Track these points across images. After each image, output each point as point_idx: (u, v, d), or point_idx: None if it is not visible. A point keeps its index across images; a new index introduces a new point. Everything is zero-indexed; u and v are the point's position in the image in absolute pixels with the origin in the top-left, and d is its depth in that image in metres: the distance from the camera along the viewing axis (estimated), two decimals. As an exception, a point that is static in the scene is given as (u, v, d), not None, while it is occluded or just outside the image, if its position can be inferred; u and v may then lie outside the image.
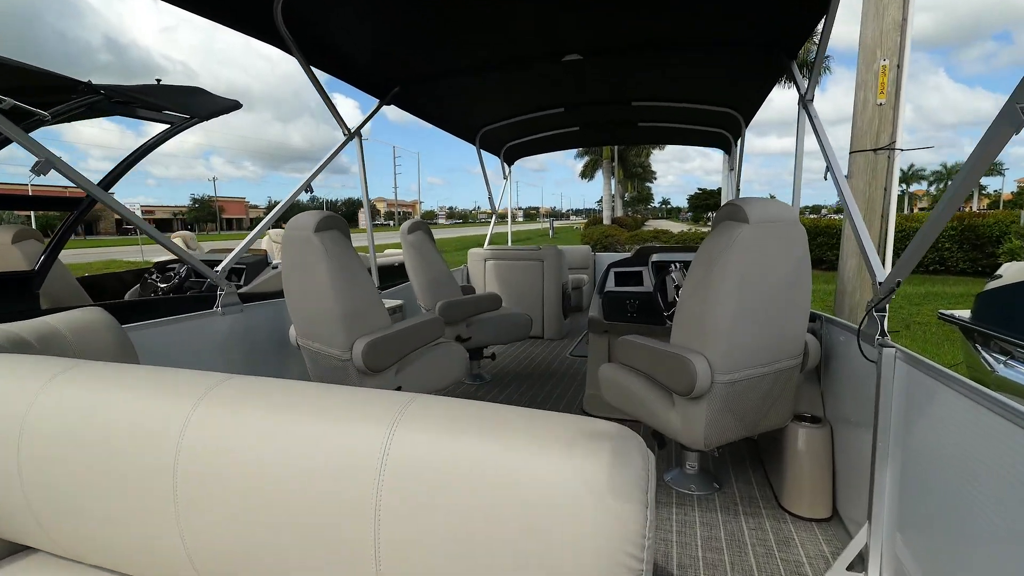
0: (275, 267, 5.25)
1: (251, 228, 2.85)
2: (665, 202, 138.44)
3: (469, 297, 3.81)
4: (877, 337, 1.66)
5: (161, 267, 4.80)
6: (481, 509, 0.59)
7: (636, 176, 41.39)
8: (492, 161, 8.03)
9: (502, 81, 3.58)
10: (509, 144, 5.62)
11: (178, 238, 8.35)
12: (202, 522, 0.71)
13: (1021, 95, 1.01)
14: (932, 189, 58.31)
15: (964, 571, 1.26)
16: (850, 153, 3.40)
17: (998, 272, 3.10)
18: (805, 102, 2.53)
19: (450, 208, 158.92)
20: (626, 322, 3.09)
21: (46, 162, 1.71)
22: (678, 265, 3.04)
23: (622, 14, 2.52)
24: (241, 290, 4.69)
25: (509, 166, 6.16)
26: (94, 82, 2.82)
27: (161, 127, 3.35)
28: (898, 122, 3.14)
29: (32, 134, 3.05)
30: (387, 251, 8.73)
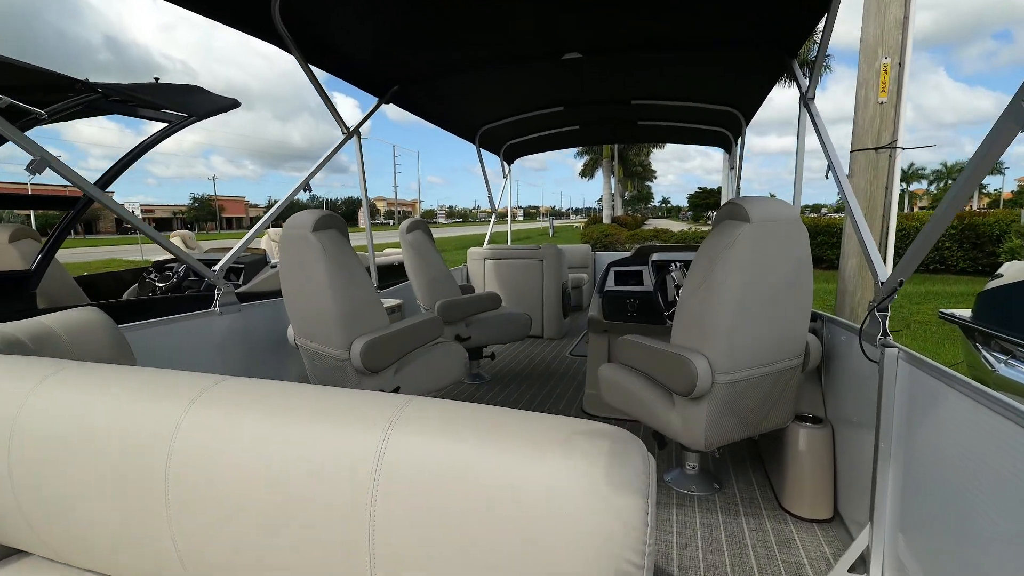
0: (274, 266, 5.24)
1: (251, 227, 2.84)
2: (665, 201, 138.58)
3: (468, 296, 3.79)
4: (879, 337, 1.65)
5: (159, 266, 4.78)
6: (478, 513, 0.58)
7: (636, 175, 41.38)
8: (492, 160, 8.01)
9: (502, 80, 3.57)
10: (509, 143, 5.60)
11: (177, 237, 8.34)
12: (194, 526, 0.70)
13: None
14: (932, 188, 58.27)
15: (967, 573, 1.25)
16: (851, 152, 3.38)
17: (999, 271, 3.10)
18: (806, 100, 2.52)
19: (450, 207, 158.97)
20: (626, 321, 3.08)
21: (41, 160, 1.69)
22: (678, 264, 3.03)
23: (622, 12, 2.51)
24: (240, 289, 4.68)
25: (509, 165, 6.15)
26: (94, 81, 2.81)
27: (159, 126, 3.34)
28: (899, 121, 3.13)
29: (30, 132, 3.05)
30: (386, 250, 8.72)
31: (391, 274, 6.03)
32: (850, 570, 1.70)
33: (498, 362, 4.57)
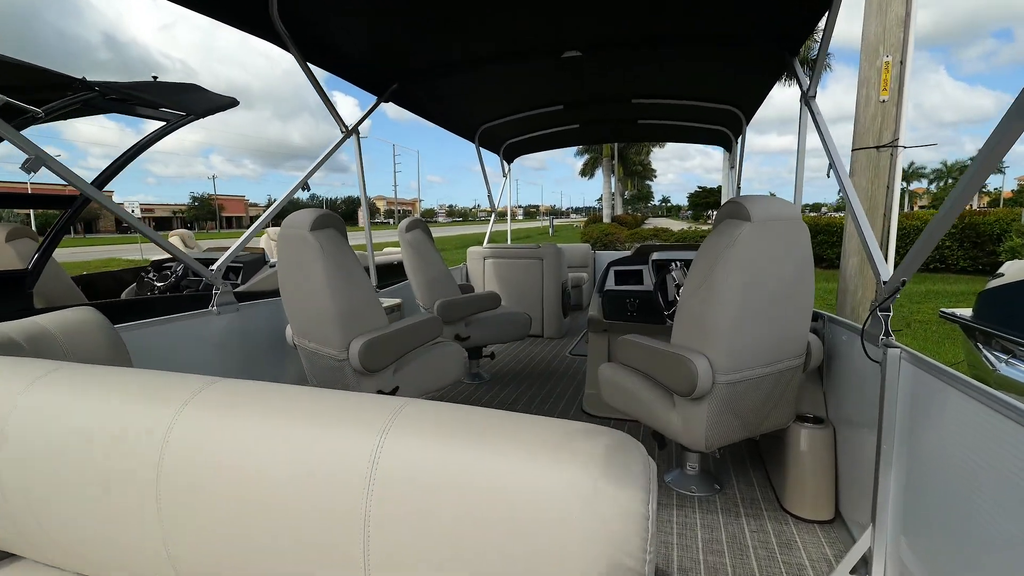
0: (273, 266, 5.22)
1: (251, 226, 2.82)
2: (665, 200, 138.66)
3: (468, 296, 3.78)
4: (881, 337, 1.64)
5: (157, 266, 4.77)
6: (474, 518, 0.57)
7: (636, 174, 41.38)
8: (492, 159, 8.00)
9: (501, 78, 3.55)
10: (508, 142, 5.59)
11: (175, 236, 8.32)
12: (186, 530, 0.69)
13: None
14: (932, 187, 58.24)
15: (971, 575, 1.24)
16: (852, 150, 3.37)
17: (1000, 270, 3.09)
18: (807, 99, 2.50)
19: (450, 206, 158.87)
20: (626, 321, 3.06)
21: (36, 159, 1.68)
22: (679, 264, 3.01)
23: (623, 10, 2.49)
24: (238, 289, 4.66)
25: (508, 164, 6.14)
26: (93, 79, 2.79)
27: (158, 124, 3.33)
28: (901, 119, 3.12)
29: (29, 131, 3.04)
30: (386, 249, 8.71)
31: (390, 273, 6.02)
32: (852, 572, 1.69)
33: (498, 362, 4.56)
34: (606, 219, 29.80)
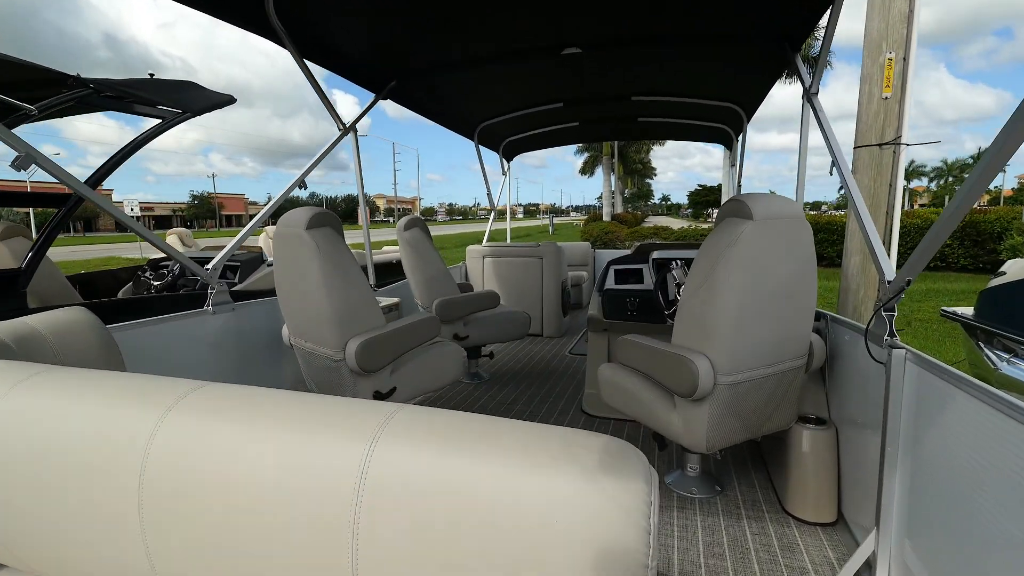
0: (270, 264, 5.20)
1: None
2: (665, 198, 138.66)
3: (467, 295, 3.76)
4: (886, 338, 1.61)
5: (154, 265, 4.74)
6: (468, 529, 0.54)
7: (636, 172, 41.39)
8: (492, 157, 7.98)
9: (500, 75, 3.53)
10: (508, 140, 5.56)
11: (173, 235, 8.29)
12: (169, 540, 0.67)
13: None
14: (932, 185, 58.18)
15: None
16: (854, 148, 3.34)
17: (1002, 269, 3.08)
18: (809, 95, 2.48)
19: (450, 204, 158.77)
20: (626, 320, 3.04)
21: (27, 156, 1.65)
22: (679, 263, 2.99)
23: (623, 6, 2.47)
24: (235, 288, 4.64)
25: (508, 162, 6.11)
26: (93, 78, 2.76)
27: (153, 122, 3.30)
28: (904, 116, 3.09)
29: (26, 129, 3.01)
30: (385, 248, 8.68)
31: (390, 272, 6.00)
32: None
33: (497, 361, 4.54)
34: (606, 217, 29.80)
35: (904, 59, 3.04)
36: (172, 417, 0.70)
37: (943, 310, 3.35)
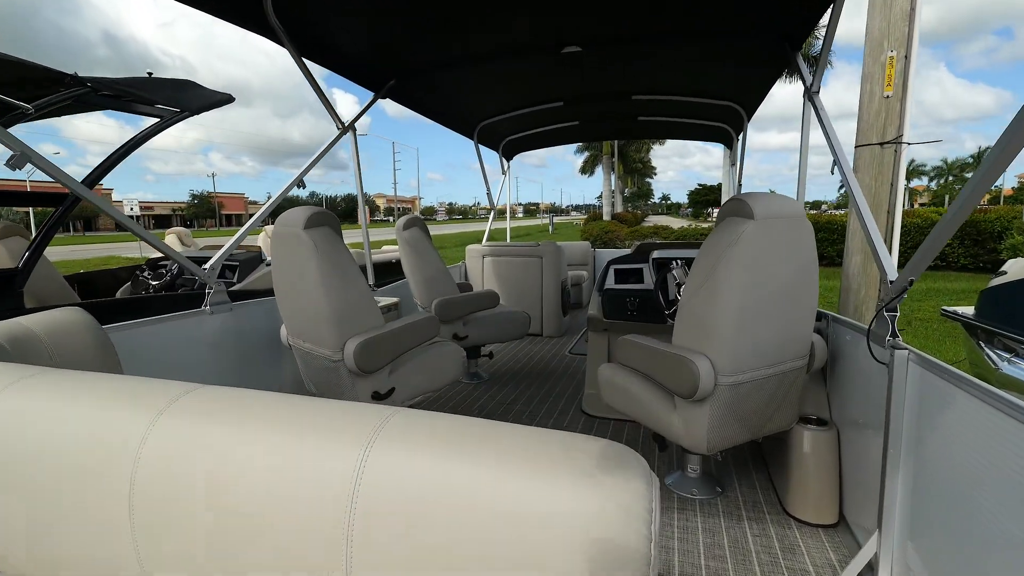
0: (269, 264, 5.18)
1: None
2: (665, 198, 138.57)
3: (466, 295, 3.75)
4: (888, 338, 1.60)
5: (153, 264, 4.72)
6: (465, 536, 0.53)
7: (636, 172, 41.38)
8: (492, 157, 7.96)
9: (500, 74, 3.51)
10: (508, 139, 5.55)
11: (172, 234, 8.28)
12: (159, 545, 0.66)
13: None
14: (932, 185, 58.16)
15: None
16: (856, 147, 3.32)
17: (1003, 268, 3.07)
18: (811, 94, 2.46)
19: (450, 204, 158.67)
20: (626, 320, 3.03)
21: (21, 155, 1.64)
22: (680, 262, 2.97)
23: (623, 5, 2.45)
24: (234, 288, 4.63)
25: (508, 161, 6.10)
26: (90, 76, 2.75)
27: (151, 121, 3.28)
28: (905, 115, 3.07)
29: (23, 128, 2.99)
30: (385, 247, 8.67)
31: (390, 271, 5.98)
32: None
33: (496, 361, 4.52)
34: (606, 217, 29.79)
35: (906, 57, 3.03)
36: (164, 420, 0.69)
37: (943, 309, 3.34)
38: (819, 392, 2.27)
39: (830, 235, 13.17)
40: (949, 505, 1.34)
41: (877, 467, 1.63)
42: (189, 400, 0.72)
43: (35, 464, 0.73)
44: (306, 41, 2.62)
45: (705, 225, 22.73)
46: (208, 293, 2.41)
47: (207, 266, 2.45)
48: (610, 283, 3.33)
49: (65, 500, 0.71)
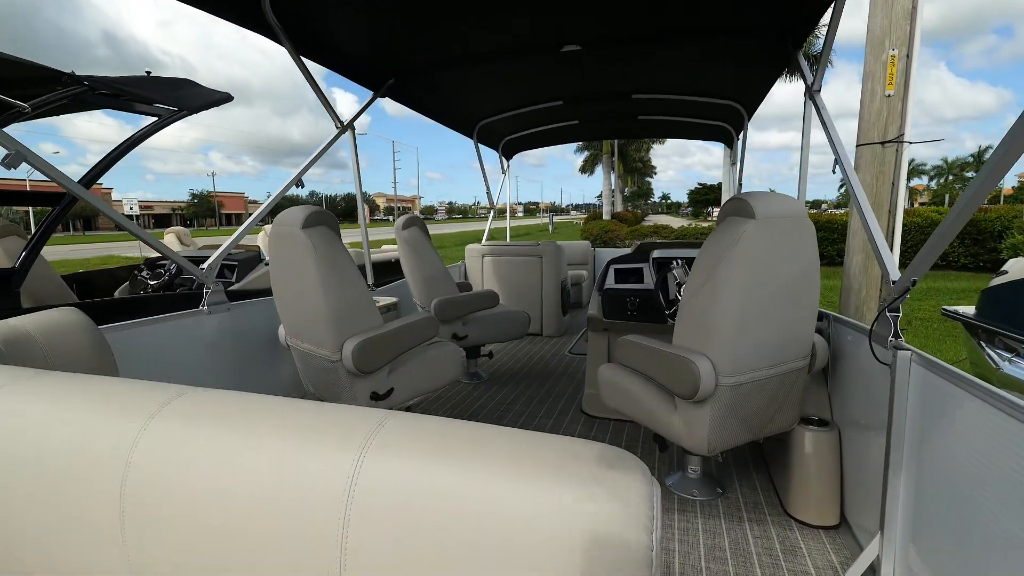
0: (268, 263, 5.17)
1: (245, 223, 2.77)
2: (665, 197, 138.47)
3: (465, 295, 3.73)
4: (890, 339, 1.59)
5: (151, 264, 4.71)
6: (462, 544, 0.52)
7: (636, 171, 41.35)
8: (491, 156, 7.95)
9: (500, 73, 3.50)
10: (507, 138, 5.54)
11: (171, 234, 8.25)
12: (150, 553, 0.64)
13: None
14: (932, 184, 58.14)
15: None
16: (857, 146, 3.31)
17: (1004, 268, 3.06)
18: (812, 92, 2.45)
19: (450, 203, 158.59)
20: (626, 320, 3.02)
21: (16, 154, 1.62)
22: (680, 262, 2.96)
23: (623, 3, 2.44)
24: (232, 287, 4.61)
25: (507, 160, 6.08)
26: (88, 75, 2.73)
27: (149, 120, 3.27)
28: (907, 114, 3.05)
29: (21, 127, 2.98)
30: (384, 247, 8.65)
31: (390, 271, 5.97)
32: None
33: (496, 361, 4.51)
34: (606, 216, 29.77)
35: (907, 56, 3.01)
36: (155, 425, 0.67)
37: (944, 309, 3.33)
38: (820, 392, 2.26)
39: (830, 234, 13.15)
40: (952, 507, 1.32)
41: (879, 468, 1.62)
42: (181, 404, 0.70)
43: (24, 468, 0.71)
44: (304, 39, 2.61)
45: (705, 224, 22.72)
46: (206, 293, 2.39)
47: (204, 266, 2.43)
48: (610, 283, 3.32)
49: (55, 506, 0.69)
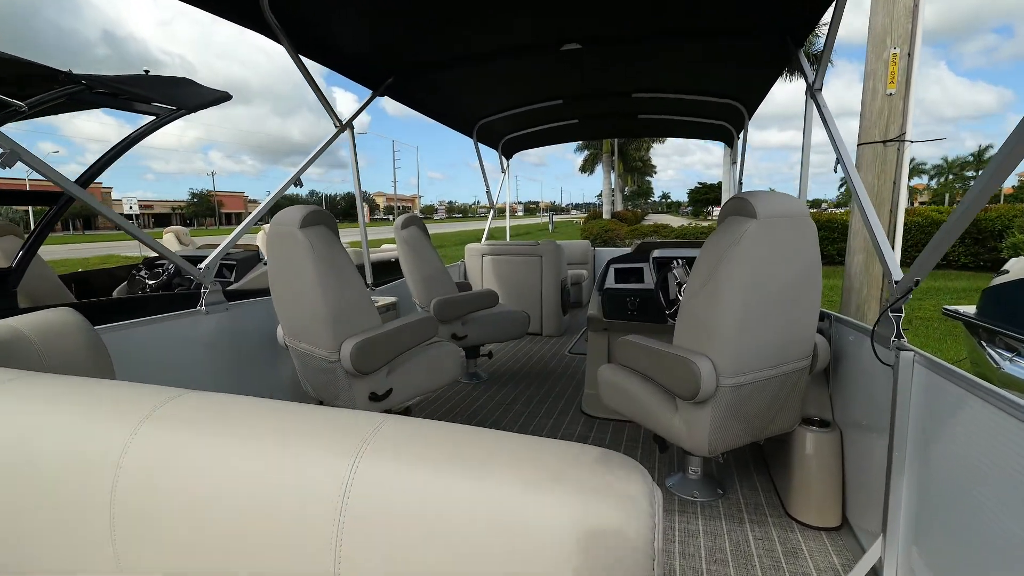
0: (267, 263, 5.15)
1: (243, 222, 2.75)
2: (665, 196, 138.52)
3: (465, 294, 3.72)
4: (893, 339, 1.58)
5: (149, 263, 4.69)
6: (460, 553, 0.51)
7: (636, 170, 41.34)
8: (491, 155, 7.94)
9: (499, 72, 3.49)
10: (507, 137, 5.52)
11: (170, 233, 8.24)
12: (141, 561, 0.63)
13: None
14: (932, 183, 58.14)
15: None
16: (858, 145, 3.29)
17: (1004, 267, 3.05)
18: (813, 91, 2.43)
19: (450, 202, 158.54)
20: (626, 320, 3.00)
21: (11, 153, 1.61)
22: (681, 262, 2.95)
23: (624, 4, 2.42)
24: (231, 287, 4.60)
25: (507, 160, 6.07)
26: (85, 74, 2.72)
27: (147, 119, 3.26)
28: (908, 113, 3.04)
29: (20, 126, 2.96)
30: (384, 246, 8.64)
31: (389, 270, 5.96)
32: None
33: (496, 360, 4.50)
34: (606, 215, 29.76)
35: (909, 54, 2.99)
36: (145, 429, 0.66)
37: (945, 308, 3.32)
38: (822, 393, 2.25)
39: (830, 233, 13.14)
40: (956, 509, 1.31)
41: (881, 469, 1.61)
42: (172, 407, 0.69)
43: (15, 472, 0.70)
44: (303, 38, 2.59)
45: (705, 224, 22.70)
46: (203, 293, 2.38)
47: (202, 265, 2.42)
48: (610, 282, 3.31)
49: (47, 509, 0.68)
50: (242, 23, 2.38)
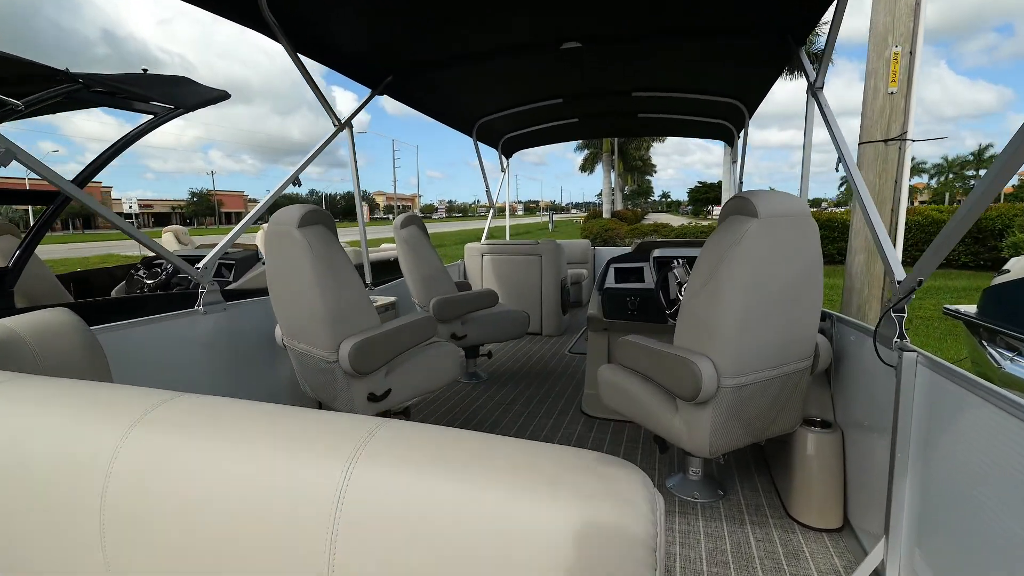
0: (266, 263, 5.13)
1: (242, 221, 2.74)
2: (665, 195, 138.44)
3: (464, 294, 3.71)
4: (895, 340, 1.56)
5: (148, 263, 4.68)
6: (457, 562, 0.50)
7: (636, 169, 41.33)
8: (491, 154, 7.92)
9: (499, 70, 3.47)
10: (507, 136, 5.51)
11: (169, 233, 8.23)
12: (132, 565, 0.62)
13: None
14: (933, 182, 58.13)
15: None
16: (859, 144, 3.28)
17: (1005, 267, 3.04)
18: (814, 90, 2.42)
19: (450, 202, 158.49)
20: (626, 320, 2.99)
21: (7, 152, 1.59)
22: (681, 261, 2.94)
23: (624, 4, 2.41)
24: (230, 287, 4.58)
25: (507, 159, 6.05)
26: (83, 72, 2.70)
27: (145, 118, 3.24)
28: (910, 112, 3.03)
29: (19, 125, 2.95)
30: (383, 245, 8.63)
31: (389, 270, 5.94)
32: None
33: (495, 360, 4.49)
34: (606, 214, 29.74)
35: (910, 53, 2.98)
36: (137, 433, 0.65)
37: (946, 308, 3.31)
38: (823, 394, 2.23)
39: (831, 233, 13.13)
40: (960, 511, 1.30)
41: (883, 471, 1.60)
42: (165, 410, 0.68)
43: (6, 475, 0.69)
44: (301, 36, 2.58)
45: (705, 223, 22.68)
46: (201, 293, 2.36)
47: (200, 265, 2.40)
48: (610, 282, 3.30)
49: (35, 514, 0.67)
50: (241, 22, 2.37)
